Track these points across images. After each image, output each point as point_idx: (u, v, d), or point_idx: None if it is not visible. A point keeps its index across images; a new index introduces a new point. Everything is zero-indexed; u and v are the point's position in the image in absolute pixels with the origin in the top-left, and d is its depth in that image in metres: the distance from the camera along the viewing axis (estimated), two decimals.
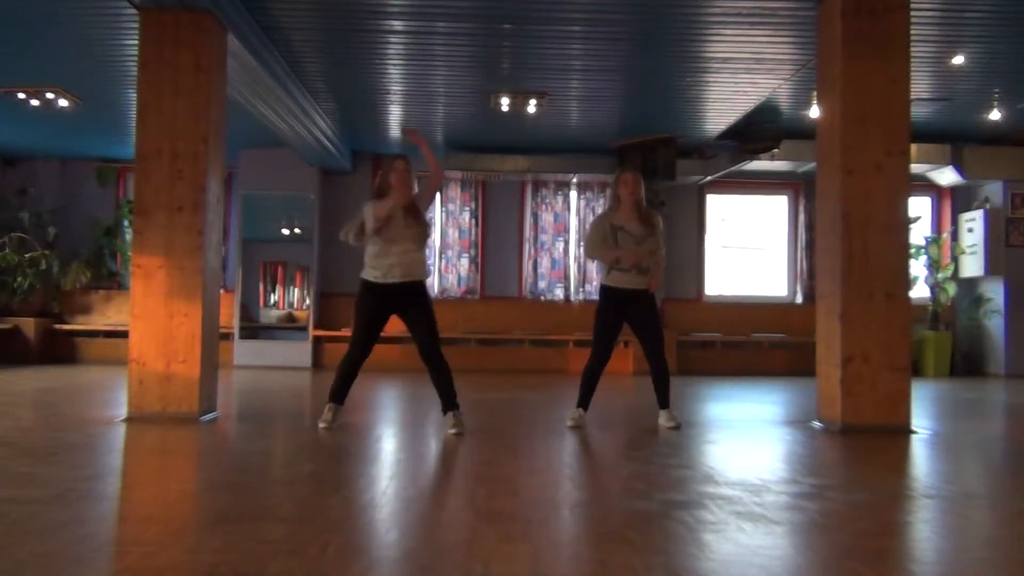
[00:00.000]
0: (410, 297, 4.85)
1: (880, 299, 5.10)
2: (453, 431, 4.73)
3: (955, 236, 10.45)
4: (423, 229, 4.95)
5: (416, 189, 5.02)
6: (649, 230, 5.16)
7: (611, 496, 3.41)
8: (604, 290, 5.27)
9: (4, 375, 8.20)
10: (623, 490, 3.49)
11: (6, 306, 10.02)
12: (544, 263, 10.69)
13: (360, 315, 4.90)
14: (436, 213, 10.65)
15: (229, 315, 9.67)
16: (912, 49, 5.30)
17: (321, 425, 4.90)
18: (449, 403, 4.87)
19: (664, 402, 5.27)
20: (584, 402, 5.28)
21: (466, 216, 10.65)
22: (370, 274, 4.87)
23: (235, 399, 6.74)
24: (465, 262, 10.62)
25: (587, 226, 10.61)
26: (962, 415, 6.52)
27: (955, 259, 10.30)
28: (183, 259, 5.23)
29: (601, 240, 5.18)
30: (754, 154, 9.35)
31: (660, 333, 5.32)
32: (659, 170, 9.33)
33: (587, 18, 6.08)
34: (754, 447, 4.75)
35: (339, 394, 4.99)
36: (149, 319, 5.22)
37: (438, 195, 10.47)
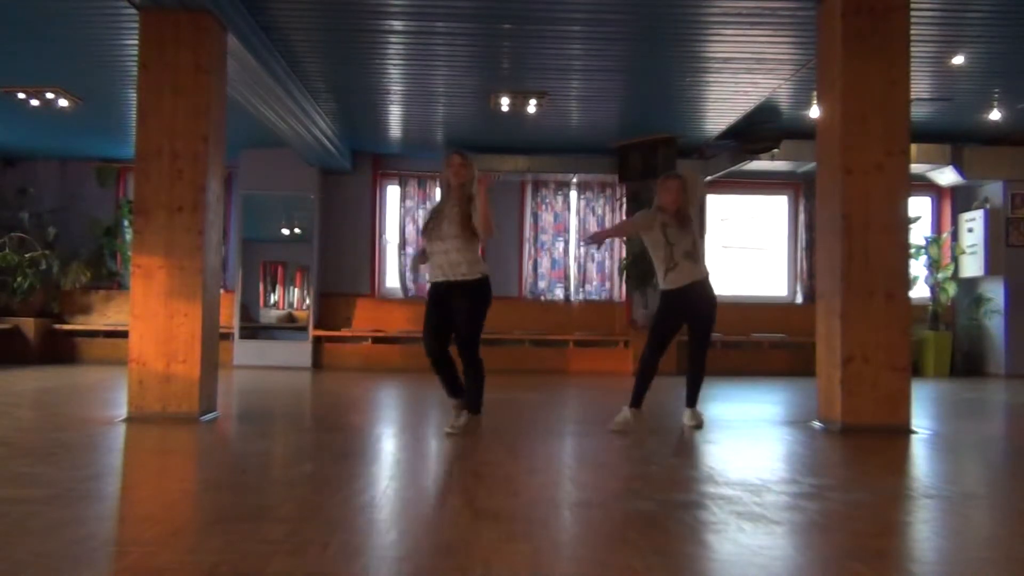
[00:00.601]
0: (456, 295, 4.77)
1: (880, 299, 5.10)
2: (448, 429, 4.76)
3: (955, 236, 10.45)
4: (467, 229, 4.72)
5: (474, 180, 4.80)
6: (686, 223, 5.22)
7: (611, 496, 3.41)
8: (664, 295, 5.24)
9: (4, 375, 8.19)
10: (623, 490, 3.49)
11: (6, 306, 10.02)
12: (544, 263, 10.69)
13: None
14: None
15: (229, 315, 9.67)
16: (912, 49, 5.30)
17: (448, 430, 4.82)
18: (469, 405, 4.88)
19: (692, 400, 5.32)
20: (638, 400, 5.17)
21: None
22: (429, 275, 4.95)
23: (235, 399, 6.74)
24: None
25: (588, 226, 10.70)
26: (962, 415, 6.52)
27: (955, 259, 10.30)
28: (183, 259, 5.23)
29: (643, 227, 5.26)
30: (754, 154, 9.35)
31: (711, 332, 5.32)
32: (659, 170, 9.32)
33: (587, 18, 6.08)
34: (754, 447, 4.75)
35: (450, 391, 4.96)
36: (149, 319, 5.22)
37: (437, 193, 10.49)
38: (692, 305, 5.19)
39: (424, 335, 4.89)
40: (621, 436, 4.88)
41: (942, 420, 6.05)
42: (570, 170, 10.20)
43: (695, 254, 5.20)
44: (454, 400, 4.94)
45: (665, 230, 5.16)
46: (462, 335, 4.82)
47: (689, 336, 5.31)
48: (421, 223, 5.03)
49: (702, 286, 5.23)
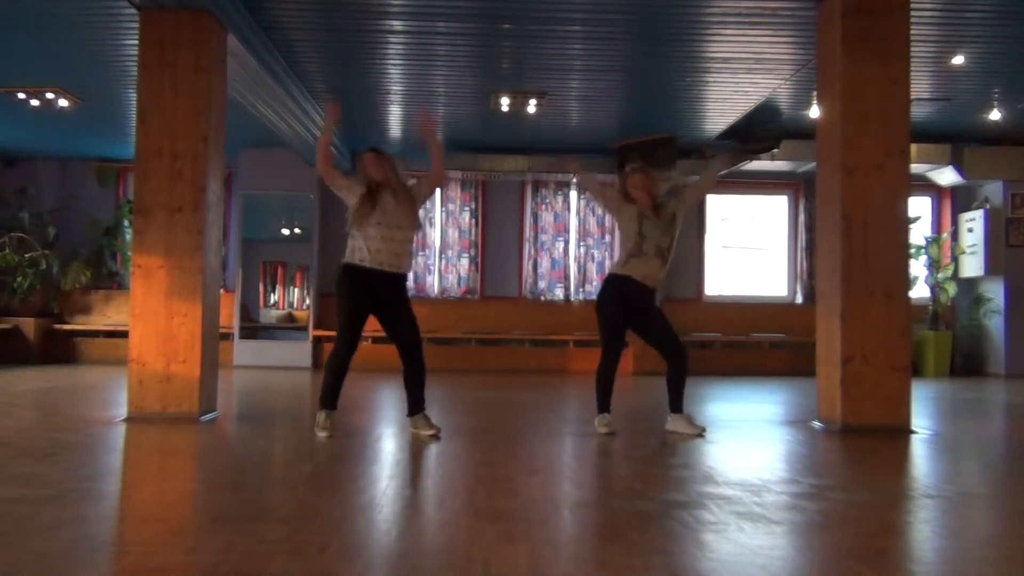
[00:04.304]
0: (395, 288, 4.67)
1: (880, 299, 5.10)
2: (429, 432, 4.64)
3: (955, 236, 10.45)
4: (416, 224, 4.71)
5: (398, 175, 4.73)
6: (668, 220, 4.95)
7: (611, 496, 3.41)
8: (614, 280, 4.97)
9: (4, 375, 8.19)
10: (623, 490, 3.49)
11: (6, 306, 10.02)
12: (544, 263, 10.69)
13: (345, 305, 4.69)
14: (436, 213, 10.66)
15: (229, 315, 9.67)
16: (912, 49, 5.30)
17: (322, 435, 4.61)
18: (420, 404, 4.73)
19: (675, 406, 5.03)
20: (605, 405, 4.97)
21: (466, 216, 10.65)
22: (355, 258, 4.66)
23: (235, 399, 6.74)
24: (465, 262, 10.62)
25: (588, 226, 10.70)
26: (962, 415, 6.52)
27: (955, 259, 10.30)
28: (183, 259, 5.23)
29: (612, 201, 5.05)
30: (754, 154, 9.35)
31: (669, 331, 4.99)
32: (659, 170, 9.33)
33: (587, 18, 6.08)
34: (754, 447, 4.75)
35: (335, 397, 4.70)
36: (149, 319, 5.23)
37: (438, 192, 10.49)
38: (634, 302, 4.91)
39: (350, 328, 4.66)
40: (612, 436, 4.82)
41: (942, 420, 6.05)
42: (570, 170, 10.18)
43: (664, 254, 4.92)
44: (329, 411, 4.64)
45: (642, 221, 4.89)
46: (414, 331, 4.70)
47: (652, 340, 5.03)
48: (352, 208, 4.72)
49: (650, 293, 4.96)
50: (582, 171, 5.61)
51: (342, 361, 4.70)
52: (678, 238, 5.06)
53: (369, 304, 4.70)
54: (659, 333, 5.01)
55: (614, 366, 5.02)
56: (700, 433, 4.90)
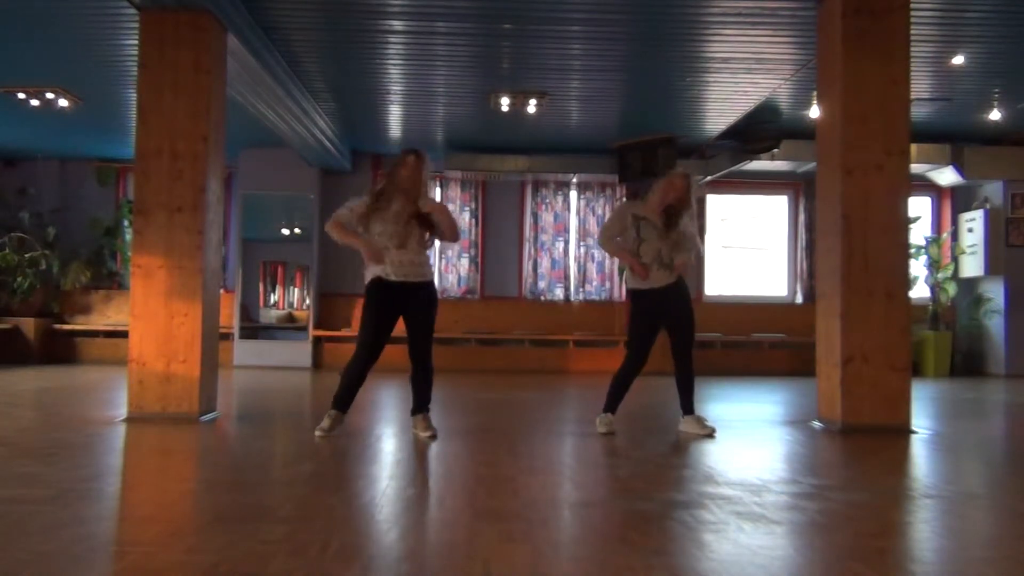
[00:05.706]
0: (415, 297, 4.63)
1: (880, 299, 5.10)
2: (427, 434, 4.65)
3: (955, 236, 10.45)
4: (425, 234, 4.65)
5: (424, 187, 4.64)
6: (672, 227, 4.96)
7: (611, 496, 3.41)
8: (632, 294, 5.04)
9: (4, 375, 8.19)
10: (623, 490, 3.49)
11: (6, 306, 10.02)
12: (544, 263, 10.69)
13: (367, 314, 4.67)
14: None
15: (229, 315, 9.67)
16: (912, 49, 5.30)
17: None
18: (424, 405, 4.75)
19: (688, 407, 5.04)
20: (612, 406, 5.00)
21: (466, 216, 10.64)
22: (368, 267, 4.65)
23: (235, 399, 6.74)
24: (465, 262, 10.62)
25: (588, 226, 10.69)
26: (962, 415, 6.52)
27: (955, 259, 10.30)
28: (183, 259, 5.23)
29: (618, 232, 4.96)
30: (754, 154, 9.35)
31: (691, 332, 5.05)
32: (659, 170, 9.33)
33: (587, 18, 6.08)
34: (754, 447, 4.75)
35: (349, 400, 4.72)
36: (149, 319, 5.23)
37: (438, 191, 10.49)
38: (664, 307, 4.96)
39: (372, 336, 4.61)
40: (611, 436, 4.83)
41: (942, 420, 6.05)
42: (570, 170, 10.20)
43: (669, 263, 4.93)
44: (338, 412, 4.68)
45: (638, 223, 4.91)
46: (426, 337, 4.68)
47: (670, 340, 5.05)
48: (354, 213, 4.64)
49: (674, 287, 5.00)
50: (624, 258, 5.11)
51: (358, 367, 4.68)
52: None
53: (383, 312, 4.65)
54: (678, 333, 5.03)
55: (635, 373, 5.02)
56: (710, 434, 4.92)
